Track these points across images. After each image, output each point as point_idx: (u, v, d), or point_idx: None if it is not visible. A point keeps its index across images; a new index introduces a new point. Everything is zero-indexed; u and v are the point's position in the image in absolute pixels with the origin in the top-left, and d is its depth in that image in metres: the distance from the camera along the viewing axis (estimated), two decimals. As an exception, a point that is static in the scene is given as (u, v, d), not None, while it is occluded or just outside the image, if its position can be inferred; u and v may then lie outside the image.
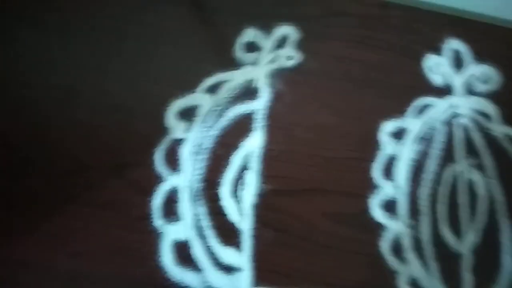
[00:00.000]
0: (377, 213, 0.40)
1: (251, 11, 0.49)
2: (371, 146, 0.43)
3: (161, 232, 0.38)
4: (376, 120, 0.44)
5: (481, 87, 0.47)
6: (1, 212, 0.38)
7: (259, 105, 0.44)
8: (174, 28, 0.48)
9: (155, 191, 0.39)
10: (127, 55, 0.46)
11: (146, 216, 0.38)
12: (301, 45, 0.47)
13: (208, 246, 0.37)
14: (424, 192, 0.41)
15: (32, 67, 0.45)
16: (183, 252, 0.37)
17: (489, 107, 0.46)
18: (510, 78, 0.48)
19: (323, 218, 0.40)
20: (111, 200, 0.39)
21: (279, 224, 0.39)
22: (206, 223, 0.38)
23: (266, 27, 0.48)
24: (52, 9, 0.48)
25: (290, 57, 0.47)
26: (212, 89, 0.44)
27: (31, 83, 0.44)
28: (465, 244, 0.40)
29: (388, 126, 0.44)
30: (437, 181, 0.42)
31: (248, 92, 0.45)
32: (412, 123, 0.44)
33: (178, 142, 0.42)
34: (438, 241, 0.39)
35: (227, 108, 0.44)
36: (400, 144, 0.43)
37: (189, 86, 0.44)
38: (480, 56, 0.48)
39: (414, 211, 0.40)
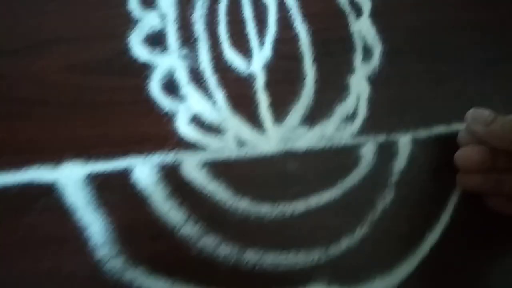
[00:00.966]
0: (140, 51, 0.31)
1: None
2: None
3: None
4: None
5: None
6: None
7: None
8: None
9: None
10: None
11: None
12: None
13: None
14: (198, 14, 0.34)
15: None
16: None
17: None
18: None
19: (68, 73, 0.30)
20: None
21: (5, 93, 0.29)
22: None
23: None
24: None
25: None
26: None
27: None
28: (256, 63, 0.34)
29: None
30: (212, -2, 0.35)
31: None
32: None
33: None
34: (222, 66, 0.32)
35: None
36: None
37: None
38: None
39: (187, 39, 0.32)
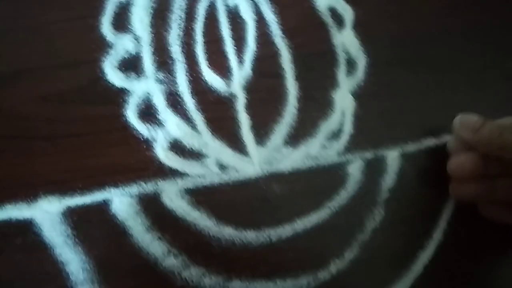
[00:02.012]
0: (115, 77, 0.30)
1: None
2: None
3: None
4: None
5: None
6: None
7: None
8: None
9: None
10: None
11: None
12: None
13: None
14: (174, 35, 0.33)
15: None
16: None
17: None
18: None
19: (42, 104, 0.29)
20: None
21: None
22: None
23: None
24: None
25: None
26: None
27: None
28: (236, 82, 0.33)
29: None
30: (189, 17, 0.32)
31: None
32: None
33: None
34: (200, 88, 0.31)
35: None
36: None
37: None
38: None
39: (164, 61, 0.31)
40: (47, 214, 0.28)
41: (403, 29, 0.34)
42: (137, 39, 0.31)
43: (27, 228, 0.27)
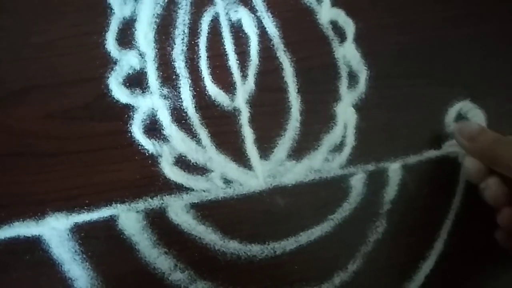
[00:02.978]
0: (120, 93, 0.30)
1: None
2: (98, 13, 0.31)
3: None
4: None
5: None
6: None
7: None
8: None
9: None
10: None
11: None
12: None
13: None
14: (178, 50, 0.33)
15: None
16: None
17: None
18: None
19: (48, 121, 0.29)
20: None
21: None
22: None
23: None
24: None
25: None
26: None
27: None
28: (240, 97, 0.33)
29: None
30: (192, 32, 0.32)
31: None
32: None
33: None
34: (205, 103, 0.31)
35: None
36: (136, 1, 0.32)
37: None
38: None
39: (168, 77, 0.31)
40: (55, 231, 0.28)
41: (404, 42, 0.34)
42: (141, 54, 0.32)
43: (35, 245, 0.28)
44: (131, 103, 0.31)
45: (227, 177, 0.31)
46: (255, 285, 0.29)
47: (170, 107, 0.31)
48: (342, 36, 0.34)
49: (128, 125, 0.30)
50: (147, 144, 0.30)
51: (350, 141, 0.33)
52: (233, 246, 0.30)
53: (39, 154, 0.29)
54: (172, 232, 0.29)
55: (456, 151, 0.33)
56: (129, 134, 0.30)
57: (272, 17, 0.34)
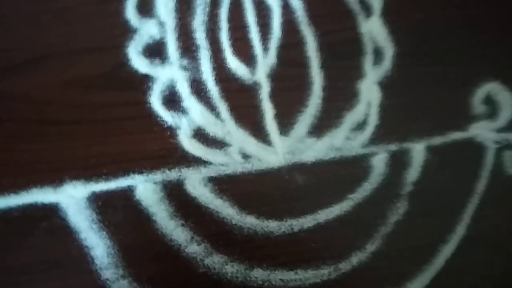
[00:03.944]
0: (139, 63, 0.30)
1: None
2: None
3: None
4: None
5: None
6: None
7: None
8: None
9: None
10: None
11: None
12: None
13: None
14: (199, 21, 0.32)
15: None
16: None
17: None
18: None
19: (66, 89, 0.29)
20: None
21: (6, 113, 0.28)
22: None
23: None
24: None
25: None
26: None
27: None
28: (261, 70, 0.32)
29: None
30: (214, 3, 0.31)
31: None
32: None
33: None
34: (224, 76, 0.31)
35: None
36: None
37: None
38: None
39: (188, 48, 0.31)
40: (72, 198, 0.28)
41: (434, 18, 0.33)
42: (161, 24, 0.31)
43: (52, 212, 0.28)
44: (150, 73, 0.30)
45: (246, 152, 0.30)
46: (271, 260, 0.29)
47: (189, 79, 0.30)
48: (368, 11, 0.33)
49: (147, 96, 0.30)
50: (166, 115, 0.30)
51: (373, 119, 0.32)
52: (250, 221, 0.29)
53: (56, 122, 0.29)
54: (189, 204, 0.29)
55: (483, 134, 0.33)
56: (148, 105, 0.30)
57: (296, -11, 0.34)
